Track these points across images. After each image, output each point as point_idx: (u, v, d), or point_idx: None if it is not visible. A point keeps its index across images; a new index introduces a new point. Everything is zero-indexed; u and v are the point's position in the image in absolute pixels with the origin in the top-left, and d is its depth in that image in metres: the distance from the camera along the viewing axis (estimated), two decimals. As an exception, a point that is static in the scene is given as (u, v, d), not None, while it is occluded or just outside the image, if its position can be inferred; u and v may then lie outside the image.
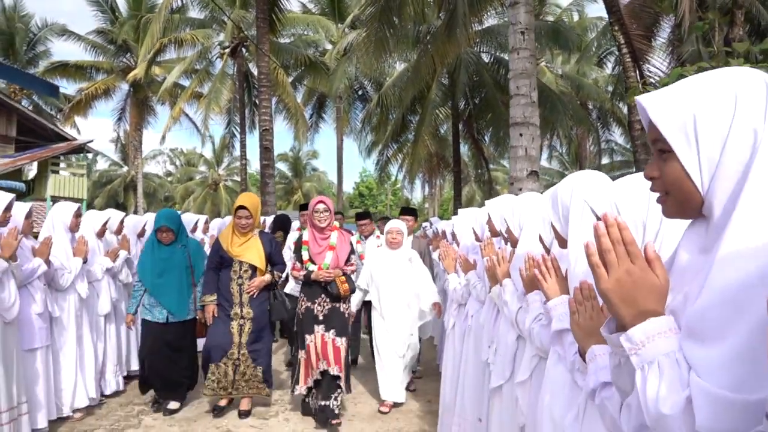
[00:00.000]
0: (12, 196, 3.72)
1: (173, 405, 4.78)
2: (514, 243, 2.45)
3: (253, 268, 4.72)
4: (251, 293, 4.68)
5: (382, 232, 6.40)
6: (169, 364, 4.70)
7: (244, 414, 4.72)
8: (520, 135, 6.06)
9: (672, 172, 1.02)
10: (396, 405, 5.02)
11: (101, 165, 44.16)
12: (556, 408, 1.65)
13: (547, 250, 1.95)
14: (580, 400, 1.47)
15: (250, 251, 4.70)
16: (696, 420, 0.83)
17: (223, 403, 4.79)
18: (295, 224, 7.15)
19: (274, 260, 4.86)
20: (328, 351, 4.46)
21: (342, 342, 4.51)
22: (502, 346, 2.39)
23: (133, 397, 5.12)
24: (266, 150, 13.07)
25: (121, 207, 39.46)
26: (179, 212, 5.25)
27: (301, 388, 4.52)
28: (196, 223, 7.28)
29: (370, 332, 5.50)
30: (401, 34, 9.95)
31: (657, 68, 13.93)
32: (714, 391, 0.82)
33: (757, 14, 14.82)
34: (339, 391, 4.48)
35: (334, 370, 4.43)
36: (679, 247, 1.08)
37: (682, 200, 1.03)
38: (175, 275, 4.69)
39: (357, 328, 6.16)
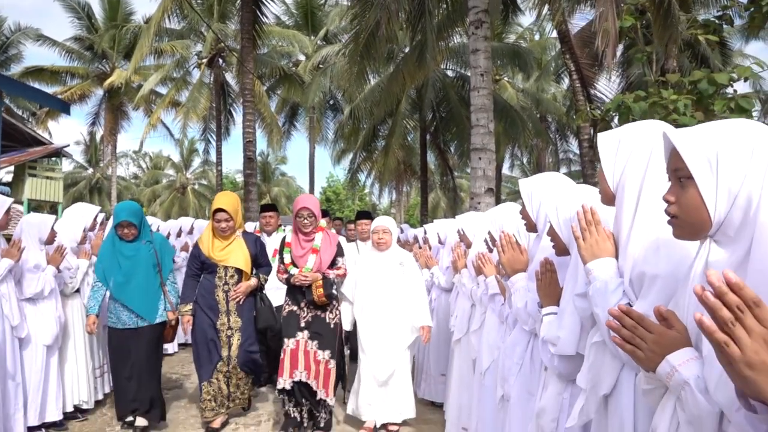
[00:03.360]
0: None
1: (141, 422, 4.24)
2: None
3: (239, 273, 4.35)
4: (237, 300, 4.33)
5: (348, 237, 6.66)
6: (139, 374, 4.16)
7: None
8: (479, 158, 7.38)
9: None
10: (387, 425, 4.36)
11: (66, 167, 44.07)
12: (493, 341, 2.89)
13: (491, 249, 3.21)
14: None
15: (235, 255, 4.32)
16: None
17: (216, 424, 4.35)
18: (250, 225, 6.69)
19: (259, 262, 4.50)
20: (310, 364, 4.14)
21: (324, 356, 4.17)
22: (460, 312, 3.68)
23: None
24: (249, 160, 14.15)
25: (88, 209, 39.68)
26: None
27: (285, 382, 4.14)
28: (179, 228, 7.50)
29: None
30: (377, 56, 11.18)
31: (602, 93, 15.56)
32: None
33: (699, 47, 16.45)
34: (327, 417, 4.27)
35: (321, 394, 4.16)
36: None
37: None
38: (142, 275, 4.14)
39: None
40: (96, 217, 4.97)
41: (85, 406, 4.64)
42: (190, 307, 4.32)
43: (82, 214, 4.90)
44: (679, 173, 1.14)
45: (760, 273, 0.98)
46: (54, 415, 4.18)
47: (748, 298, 0.80)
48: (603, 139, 1.58)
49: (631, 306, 1.28)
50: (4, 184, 21.29)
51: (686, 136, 1.14)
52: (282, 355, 4.18)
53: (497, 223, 3.05)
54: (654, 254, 1.36)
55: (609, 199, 1.55)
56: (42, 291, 4.06)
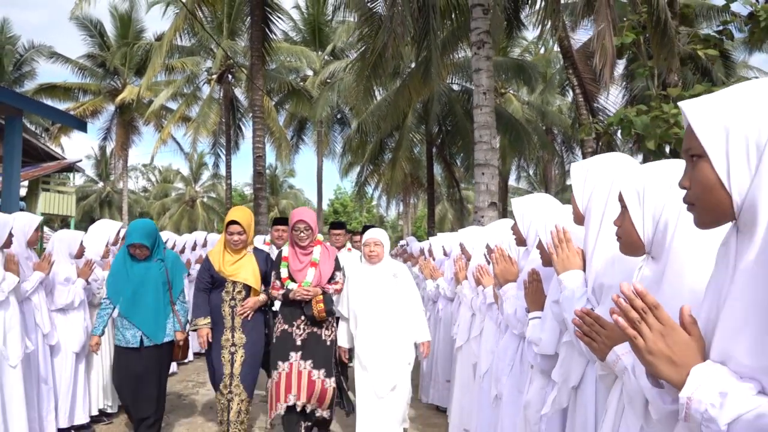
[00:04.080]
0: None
1: None
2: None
3: (248, 289, 4.27)
4: (245, 315, 4.22)
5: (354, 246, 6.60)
6: (138, 394, 4.11)
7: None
8: (482, 174, 7.67)
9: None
10: None
11: (77, 181, 44.64)
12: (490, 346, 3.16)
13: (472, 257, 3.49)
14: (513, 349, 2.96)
15: (245, 270, 4.25)
16: None
17: None
18: (260, 239, 6.42)
19: (269, 280, 4.37)
20: (302, 386, 4.00)
21: (320, 375, 4.05)
22: (462, 320, 3.95)
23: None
24: (259, 174, 14.51)
25: (97, 222, 40.25)
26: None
27: (281, 407, 4.03)
28: (194, 241, 7.76)
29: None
30: (383, 74, 11.52)
31: (606, 106, 15.84)
32: None
33: (701, 61, 16.69)
34: None
35: (323, 413, 4.08)
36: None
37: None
38: (151, 294, 4.11)
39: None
40: (119, 232, 5.26)
41: (109, 410, 4.96)
42: (208, 320, 4.24)
43: (105, 230, 5.23)
44: (690, 151, 1.05)
45: (671, 285, 1.26)
46: (82, 417, 4.48)
47: (649, 302, 1.04)
48: (574, 168, 1.86)
49: (593, 310, 1.55)
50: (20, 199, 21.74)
51: (701, 105, 1.05)
52: (276, 379, 4.03)
53: (493, 237, 3.33)
54: (611, 268, 1.63)
55: (579, 219, 1.83)
56: (72, 302, 4.38)
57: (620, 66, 17.80)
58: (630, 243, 1.40)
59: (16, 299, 3.75)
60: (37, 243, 4.32)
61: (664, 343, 1.02)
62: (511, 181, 32.41)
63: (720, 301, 1.01)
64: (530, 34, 29.64)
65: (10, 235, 3.79)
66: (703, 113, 1.02)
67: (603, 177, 1.75)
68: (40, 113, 14.61)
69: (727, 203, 1.00)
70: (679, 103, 1.05)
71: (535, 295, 2.30)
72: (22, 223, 4.11)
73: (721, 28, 9.57)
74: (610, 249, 1.64)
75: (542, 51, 28.60)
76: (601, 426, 1.51)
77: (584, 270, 1.80)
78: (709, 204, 1.03)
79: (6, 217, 3.83)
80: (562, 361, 1.81)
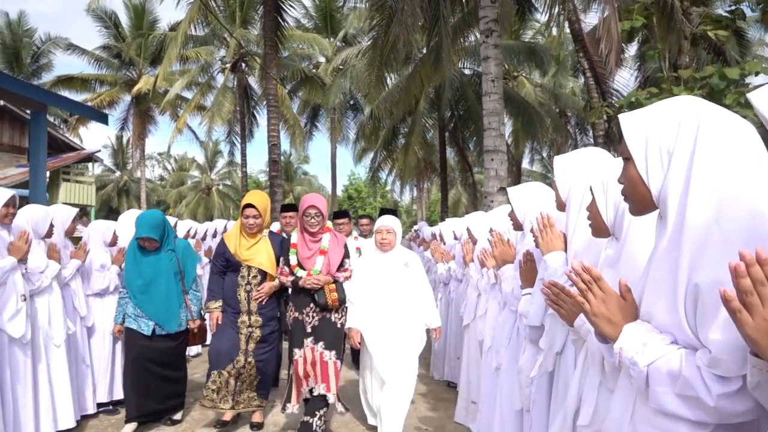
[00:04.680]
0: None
1: (177, 416, 4.50)
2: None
3: (263, 274, 4.29)
4: (260, 300, 4.28)
5: (362, 233, 6.72)
6: (155, 381, 4.23)
7: (256, 426, 4.43)
8: (492, 160, 7.91)
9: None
10: None
11: (94, 171, 45.28)
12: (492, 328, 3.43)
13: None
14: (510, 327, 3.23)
15: (260, 255, 4.29)
16: None
17: (227, 417, 4.42)
18: (274, 227, 6.28)
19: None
20: (317, 368, 4.04)
21: (331, 356, 4.05)
22: (469, 300, 4.23)
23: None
24: (274, 163, 14.81)
25: (115, 211, 40.97)
26: (165, 215, 4.63)
27: (293, 407, 4.09)
28: (215, 229, 8.01)
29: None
30: (395, 62, 11.72)
31: (616, 89, 15.90)
32: None
33: (714, 40, 16.61)
34: (324, 409, 4.04)
35: (320, 389, 4.02)
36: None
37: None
38: (162, 284, 4.20)
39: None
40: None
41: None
42: (219, 303, 4.31)
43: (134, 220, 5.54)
44: (624, 155, 1.29)
45: (626, 261, 1.52)
46: (121, 393, 4.75)
47: (594, 275, 1.31)
48: (557, 162, 2.11)
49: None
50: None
51: (631, 117, 1.29)
52: (294, 367, 4.08)
53: (497, 222, 3.59)
54: (587, 248, 1.88)
55: (561, 206, 2.09)
56: (108, 287, 4.70)
57: (633, 47, 17.80)
58: (597, 226, 1.66)
59: (58, 285, 4.08)
60: (73, 233, 4.64)
61: (605, 307, 1.28)
62: (525, 164, 32.51)
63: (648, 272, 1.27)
64: (542, 16, 29.45)
65: (51, 226, 4.10)
66: (631, 124, 1.27)
67: (581, 170, 2.00)
68: (64, 107, 15.01)
69: (649, 196, 1.24)
70: (619, 116, 1.29)
71: (529, 274, 2.56)
72: (61, 215, 4.44)
73: (733, 8, 9.63)
74: (586, 232, 1.89)
75: (555, 32, 28.53)
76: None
77: (566, 251, 2.06)
78: (636, 197, 1.28)
79: (47, 209, 4.16)
80: (547, 330, 2.08)
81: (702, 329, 1.07)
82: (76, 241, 5.01)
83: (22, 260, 3.63)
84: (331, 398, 4.02)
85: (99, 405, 4.66)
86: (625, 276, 1.37)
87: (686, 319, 1.10)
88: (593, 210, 1.65)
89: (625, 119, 1.29)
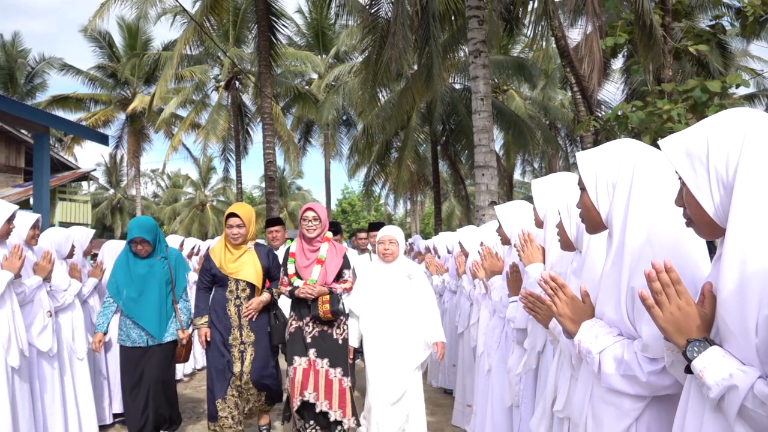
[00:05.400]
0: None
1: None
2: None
3: (252, 287, 4.19)
4: (250, 316, 4.17)
5: (353, 246, 6.84)
6: (155, 395, 4.10)
7: (265, 428, 4.46)
8: (483, 175, 8.27)
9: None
10: None
11: (90, 188, 45.42)
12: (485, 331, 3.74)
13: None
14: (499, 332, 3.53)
15: (246, 267, 4.18)
16: None
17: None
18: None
19: (272, 275, 4.33)
20: (319, 384, 3.94)
21: (336, 374, 3.98)
22: (462, 309, 4.54)
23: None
24: (270, 179, 15.14)
25: (108, 229, 41.15)
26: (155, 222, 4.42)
27: (297, 401, 3.99)
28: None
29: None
30: (387, 81, 12.09)
31: (605, 100, 16.34)
32: None
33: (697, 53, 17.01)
34: None
35: (336, 415, 3.93)
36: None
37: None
38: (155, 292, 4.10)
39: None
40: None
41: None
42: (206, 319, 4.20)
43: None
44: (580, 185, 1.63)
45: (587, 271, 1.83)
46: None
47: (559, 283, 1.62)
48: (535, 185, 2.43)
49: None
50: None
51: (587, 155, 1.61)
52: (292, 374, 4.00)
53: (487, 236, 3.91)
54: (561, 260, 2.20)
55: (539, 224, 2.41)
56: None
57: (619, 61, 18.27)
58: (564, 242, 1.99)
59: (79, 302, 4.36)
60: (91, 252, 4.93)
61: (569, 308, 1.60)
62: (517, 176, 32.95)
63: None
64: (530, 31, 29.94)
65: (72, 247, 4.39)
66: (585, 162, 1.60)
67: (557, 191, 2.32)
68: (67, 130, 15.31)
69: (599, 219, 1.56)
70: (576, 154, 1.61)
71: (515, 284, 2.87)
72: (80, 236, 4.73)
73: (713, 22, 10.05)
74: (559, 246, 2.21)
75: (543, 46, 29.07)
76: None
77: (544, 262, 2.38)
78: (590, 219, 1.61)
79: (67, 231, 4.46)
80: (530, 332, 2.39)
81: (638, 323, 1.39)
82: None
83: (47, 279, 3.92)
84: (347, 423, 3.96)
85: (115, 416, 4.94)
86: (586, 283, 1.69)
87: (627, 316, 1.42)
88: (561, 228, 1.97)
89: (581, 157, 1.62)
